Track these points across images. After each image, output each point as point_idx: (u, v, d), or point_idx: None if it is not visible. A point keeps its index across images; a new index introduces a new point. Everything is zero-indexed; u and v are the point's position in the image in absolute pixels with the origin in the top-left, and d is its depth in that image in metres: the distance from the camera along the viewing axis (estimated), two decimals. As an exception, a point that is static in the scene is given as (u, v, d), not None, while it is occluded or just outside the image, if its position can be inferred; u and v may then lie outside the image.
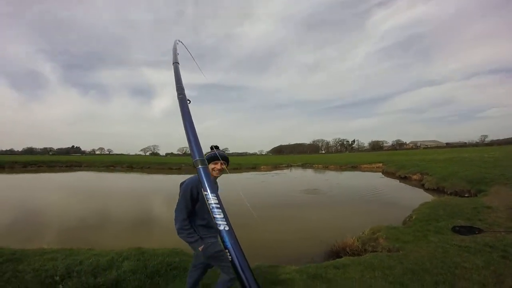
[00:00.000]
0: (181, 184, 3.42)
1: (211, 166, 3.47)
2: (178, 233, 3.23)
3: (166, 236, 10.50)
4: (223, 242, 1.50)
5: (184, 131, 1.97)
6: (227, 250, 1.47)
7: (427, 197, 16.02)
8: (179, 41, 3.50)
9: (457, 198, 13.15)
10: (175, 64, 2.73)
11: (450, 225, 7.95)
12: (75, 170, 47.48)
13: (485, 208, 9.61)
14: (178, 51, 3.10)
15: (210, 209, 1.55)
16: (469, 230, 7.44)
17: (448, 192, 16.58)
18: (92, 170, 47.98)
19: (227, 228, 1.47)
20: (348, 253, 7.27)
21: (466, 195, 14.71)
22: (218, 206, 1.55)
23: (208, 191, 1.60)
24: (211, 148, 3.58)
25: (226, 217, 1.52)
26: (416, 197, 16.75)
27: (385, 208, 14.21)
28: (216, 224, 1.50)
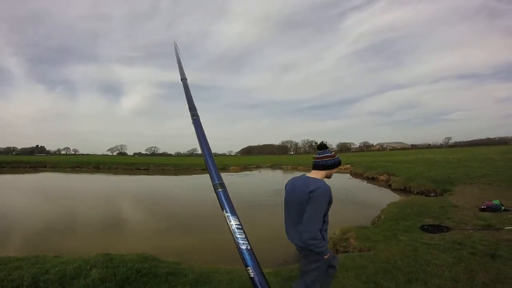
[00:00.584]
0: (313, 190, 2.91)
1: (334, 170, 3.29)
2: (308, 244, 2.86)
3: (133, 239, 10.20)
4: (245, 260, 1.48)
5: (202, 154, 1.97)
6: (249, 267, 1.44)
7: (395, 197, 16.40)
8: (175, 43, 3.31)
9: (424, 197, 13.50)
10: (184, 80, 2.46)
11: (419, 224, 8.12)
12: (39, 171, 45.56)
13: (452, 207, 9.88)
14: (182, 63, 2.84)
15: (232, 230, 1.53)
16: (438, 229, 7.61)
17: (415, 192, 17.03)
18: (57, 171, 46.25)
19: (249, 248, 1.48)
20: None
21: (432, 195, 15.13)
22: (240, 227, 1.54)
23: (229, 213, 1.59)
24: (321, 146, 3.35)
25: (247, 237, 1.51)
26: (383, 197, 17.11)
27: (354, 208, 14.39)
28: (238, 244, 1.48)
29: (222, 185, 1.71)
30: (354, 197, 17.95)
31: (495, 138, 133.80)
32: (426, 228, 7.74)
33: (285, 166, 53.66)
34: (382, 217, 9.93)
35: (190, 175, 40.74)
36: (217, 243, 9.61)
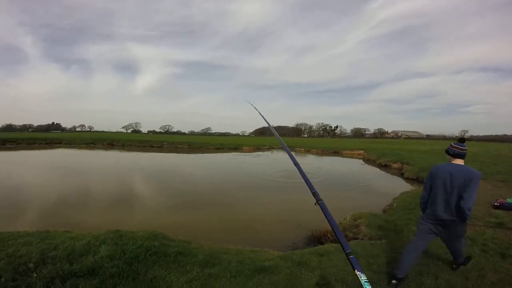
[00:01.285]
0: (474, 177, 3.86)
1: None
2: (467, 215, 3.87)
3: (145, 214, 10.37)
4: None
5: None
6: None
7: (407, 186, 16.24)
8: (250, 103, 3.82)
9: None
10: (321, 203, 2.34)
11: (432, 215, 7.98)
12: (54, 148, 46.24)
13: (465, 201, 9.66)
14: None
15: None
16: None
17: (428, 183, 16.75)
18: (71, 147, 46.97)
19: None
20: (329, 238, 7.21)
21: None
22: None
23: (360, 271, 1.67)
24: (462, 139, 4.23)
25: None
26: (396, 185, 16.97)
27: (365, 194, 14.32)
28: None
29: (350, 252, 1.77)
30: (366, 183, 17.86)
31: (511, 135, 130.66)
32: None
33: (298, 149, 53.41)
34: (395, 205, 9.86)
35: (203, 153, 41.01)
36: (228, 221, 9.76)
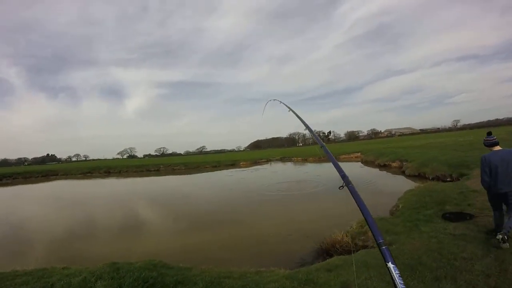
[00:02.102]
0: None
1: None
2: None
3: (146, 240, 10.10)
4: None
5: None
6: None
7: (410, 183, 15.92)
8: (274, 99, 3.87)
9: (441, 183, 13.06)
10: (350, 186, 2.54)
11: (440, 213, 7.73)
12: (51, 180, 45.85)
13: (472, 192, 9.43)
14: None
15: (397, 281, 1.64)
16: (460, 217, 7.21)
17: (430, 178, 16.54)
18: (68, 178, 46.60)
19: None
20: (338, 250, 6.88)
21: (448, 180, 14.66)
22: (401, 279, 1.64)
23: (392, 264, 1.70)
24: (490, 132, 5.68)
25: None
26: (399, 184, 16.73)
27: (369, 196, 13.97)
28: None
29: (383, 242, 1.78)
30: (368, 185, 17.59)
31: (503, 118, 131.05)
32: (448, 217, 7.36)
33: (295, 158, 53.17)
34: (400, 206, 9.55)
35: (200, 173, 40.58)
36: (231, 240, 9.46)
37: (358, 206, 2.02)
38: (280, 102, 5.22)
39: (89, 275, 4.97)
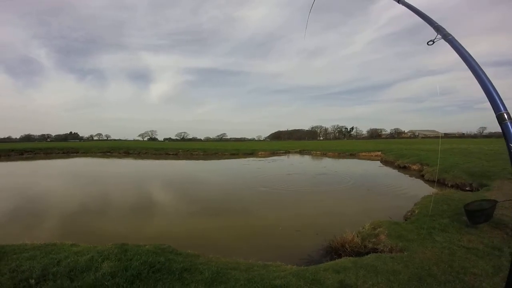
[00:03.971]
0: None
1: None
2: None
3: (159, 222, 10.31)
4: None
5: (476, 79, 1.66)
6: None
7: (428, 189, 15.62)
8: None
9: (460, 192, 12.73)
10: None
11: (456, 223, 7.57)
12: (71, 157, 47.07)
13: (491, 204, 9.19)
14: None
15: None
16: (482, 210, 7.06)
17: (449, 185, 16.12)
18: (88, 156, 47.73)
19: None
20: (347, 250, 6.87)
21: (467, 189, 14.30)
22: None
23: None
24: None
25: None
26: (416, 188, 16.39)
27: (385, 198, 13.84)
28: None
29: (510, 115, 1.43)
30: (386, 186, 17.33)
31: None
32: (469, 211, 7.24)
33: (314, 152, 52.82)
34: (416, 211, 9.40)
35: (218, 159, 40.88)
36: (241, 229, 9.56)
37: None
38: None
39: (96, 255, 5.08)
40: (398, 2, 2.30)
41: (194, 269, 4.91)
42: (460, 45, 1.71)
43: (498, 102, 1.42)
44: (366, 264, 5.27)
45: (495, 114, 1.39)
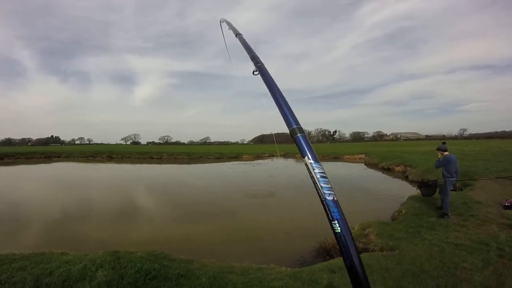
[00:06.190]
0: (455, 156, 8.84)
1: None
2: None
3: (147, 228, 10.11)
4: (331, 212, 1.38)
5: (274, 101, 1.89)
6: (335, 222, 1.34)
7: (413, 189, 15.90)
8: (224, 20, 3.18)
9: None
10: (239, 35, 2.41)
11: (443, 221, 7.80)
12: (53, 161, 46.05)
13: (475, 203, 9.47)
14: (228, 27, 2.83)
15: (316, 179, 1.42)
16: (428, 186, 10.34)
17: (433, 185, 16.44)
18: (70, 161, 46.78)
19: (335, 199, 1.38)
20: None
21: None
22: (324, 175, 1.41)
23: (312, 160, 1.47)
24: (444, 142, 9.38)
25: (332, 188, 1.39)
26: (402, 189, 16.69)
27: (371, 200, 14.05)
28: (324, 194, 1.38)
29: (301, 129, 1.62)
30: (371, 188, 17.62)
31: (510, 131, 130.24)
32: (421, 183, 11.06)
33: (298, 155, 52.82)
34: (403, 211, 9.59)
35: (203, 163, 40.62)
36: (230, 233, 9.50)
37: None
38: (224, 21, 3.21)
39: (89, 263, 4.96)
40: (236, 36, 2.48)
41: (190, 274, 4.86)
42: (267, 71, 2.05)
43: (291, 119, 1.66)
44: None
45: (289, 129, 1.63)
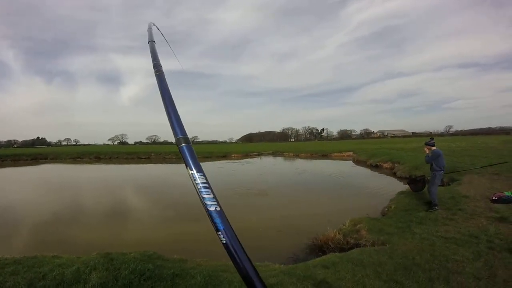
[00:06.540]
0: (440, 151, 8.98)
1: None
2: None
3: (139, 229, 10.02)
4: (215, 224, 1.21)
5: (164, 109, 1.70)
6: (220, 232, 1.16)
7: (401, 185, 16.11)
8: (153, 24, 3.10)
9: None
10: (151, 42, 2.36)
11: (431, 215, 7.93)
12: (40, 163, 45.16)
13: (463, 197, 9.63)
14: (153, 33, 2.75)
15: (198, 189, 1.25)
16: (415, 182, 10.63)
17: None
18: (58, 163, 45.99)
19: (218, 209, 1.21)
20: (331, 246, 7.01)
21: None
22: (207, 185, 1.25)
23: (194, 170, 1.31)
24: (431, 138, 9.69)
25: (216, 197, 1.24)
26: (390, 185, 16.87)
27: (361, 196, 14.15)
28: (206, 205, 1.22)
29: (187, 139, 1.45)
30: (360, 184, 17.76)
31: (496, 127, 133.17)
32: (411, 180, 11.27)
33: (287, 153, 53.35)
34: (393, 207, 9.72)
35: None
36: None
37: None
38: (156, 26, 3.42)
39: (82, 266, 4.91)
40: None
41: (185, 274, 4.84)
42: (163, 78, 1.93)
43: (177, 128, 1.52)
44: (352, 258, 5.42)
45: (175, 138, 1.48)
